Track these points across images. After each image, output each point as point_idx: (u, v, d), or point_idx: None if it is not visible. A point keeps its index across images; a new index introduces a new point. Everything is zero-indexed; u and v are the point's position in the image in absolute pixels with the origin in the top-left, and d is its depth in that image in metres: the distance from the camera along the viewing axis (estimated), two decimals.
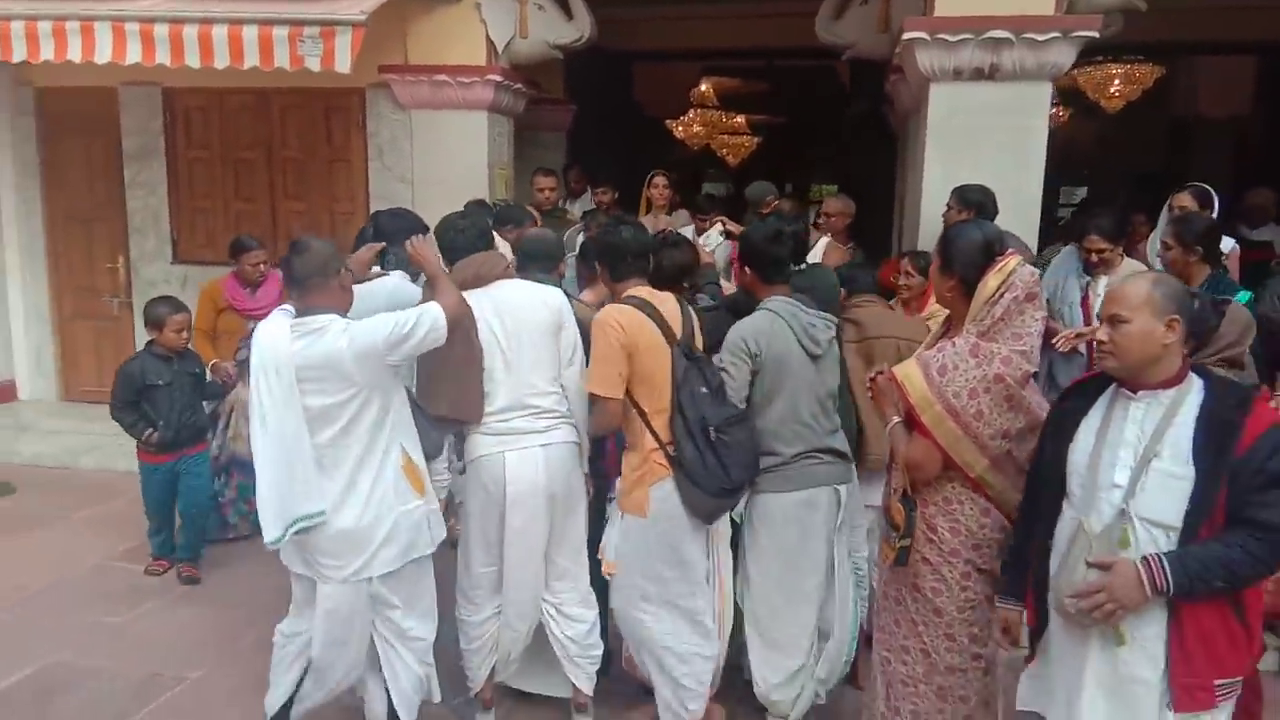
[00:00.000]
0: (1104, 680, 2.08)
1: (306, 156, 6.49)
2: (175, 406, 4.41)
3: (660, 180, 6.34)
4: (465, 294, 2.99)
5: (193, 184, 6.67)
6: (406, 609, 2.96)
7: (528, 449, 3.01)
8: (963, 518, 2.44)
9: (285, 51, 5.01)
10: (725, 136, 14.63)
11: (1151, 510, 2.01)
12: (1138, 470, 2.02)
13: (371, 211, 5.63)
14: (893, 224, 6.75)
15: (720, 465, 2.86)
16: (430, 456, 3.08)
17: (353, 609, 2.87)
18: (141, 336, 6.82)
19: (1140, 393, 2.07)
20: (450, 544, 3.28)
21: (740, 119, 14.33)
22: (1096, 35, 4.25)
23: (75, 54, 5.26)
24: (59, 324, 7.12)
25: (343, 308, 2.81)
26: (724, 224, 5.57)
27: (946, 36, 4.35)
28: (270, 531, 2.75)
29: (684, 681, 3.02)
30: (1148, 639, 2.03)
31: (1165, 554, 1.98)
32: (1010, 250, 2.38)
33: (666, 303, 3.04)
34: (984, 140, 4.43)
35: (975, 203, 4.05)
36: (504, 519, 3.04)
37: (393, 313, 2.78)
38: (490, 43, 5.90)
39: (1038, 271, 2.45)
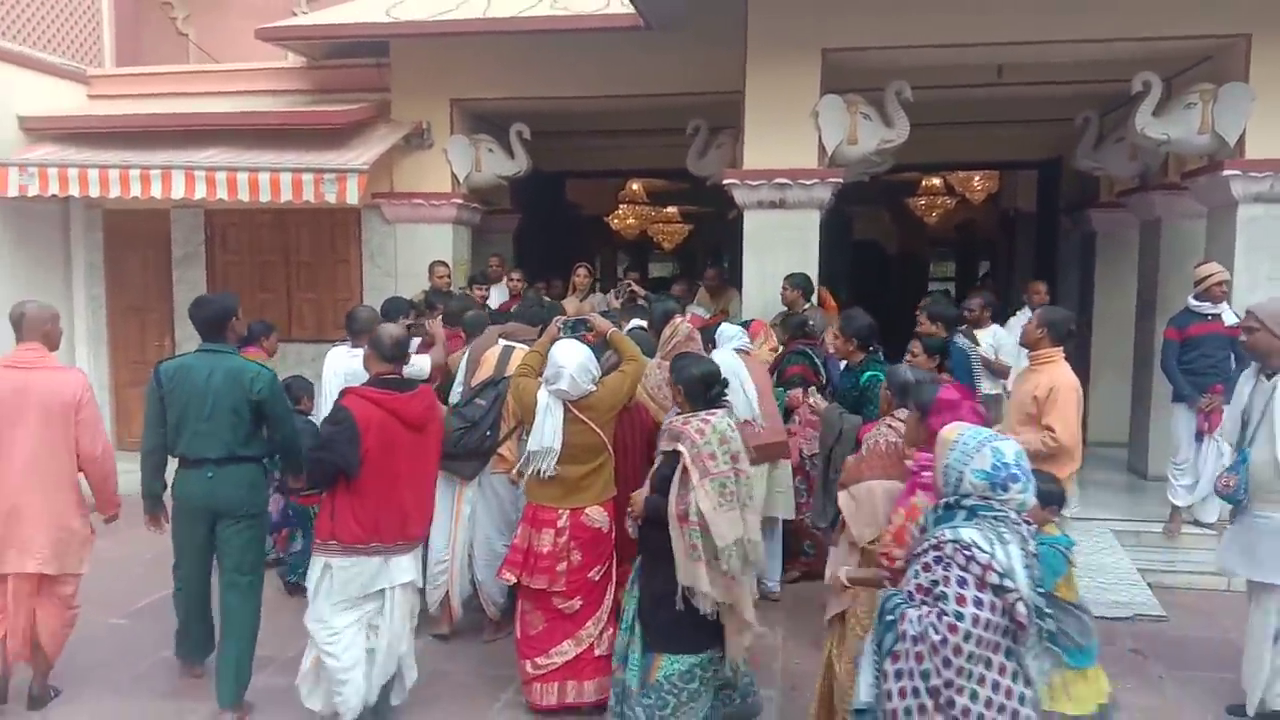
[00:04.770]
0: None
1: (315, 259, 8.54)
2: None
3: (582, 270, 8.32)
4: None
5: (226, 281, 8.65)
6: None
7: None
8: None
9: (311, 190, 7.16)
10: (659, 225, 16.99)
11: None
12: None
13: (362, 298, 7.92)
14: None
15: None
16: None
17: None
18: None
19: None
20: None
21: (672, 209, 16.73)
22: (841, 181, 6.50)
23: (157, 192, 7.36)
24: (115, 389, 9.04)
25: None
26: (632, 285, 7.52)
27: (750, 182, 6.57)
28: None
29: None
30: None
31: None
32: (678, 315, 4.62)
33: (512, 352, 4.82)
34: (779, 247, 6.59)
35: (799, 284, 6.22)
36: None
37: None
38: (454, 176, 8.07)
39: (691, 326, 4.59)
